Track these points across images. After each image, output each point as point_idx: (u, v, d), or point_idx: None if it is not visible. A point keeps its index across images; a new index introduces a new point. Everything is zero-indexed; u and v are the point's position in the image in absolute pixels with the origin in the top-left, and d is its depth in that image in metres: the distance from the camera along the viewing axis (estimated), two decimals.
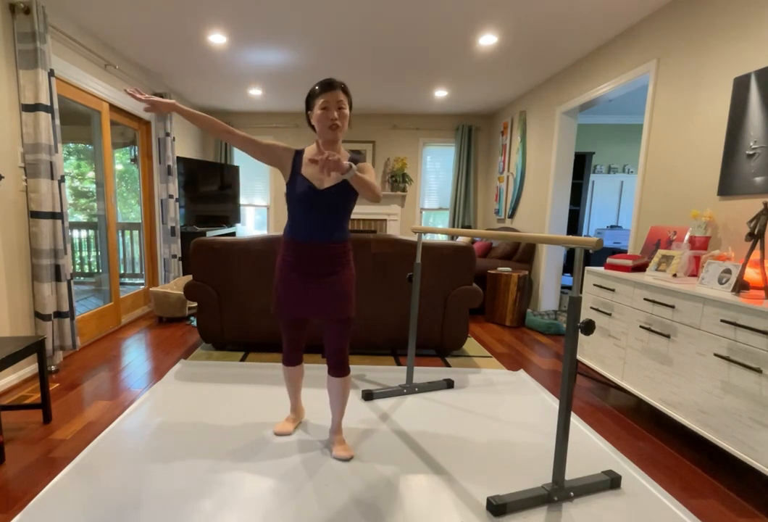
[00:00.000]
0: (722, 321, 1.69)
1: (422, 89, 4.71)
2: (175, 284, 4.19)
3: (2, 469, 1.72)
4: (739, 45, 2.18)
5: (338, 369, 1.80)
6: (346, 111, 1.63)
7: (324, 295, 1.72)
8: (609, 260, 2.49)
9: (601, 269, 2.51)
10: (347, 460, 1.80)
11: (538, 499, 1.54)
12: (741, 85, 2.13)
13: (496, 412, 2.27)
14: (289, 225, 1.74)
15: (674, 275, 2.17)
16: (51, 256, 2.67)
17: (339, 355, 1.78)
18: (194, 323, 3.89)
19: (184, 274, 4.79)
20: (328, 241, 1.70)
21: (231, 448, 1.87)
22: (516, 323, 4.02)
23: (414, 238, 3.01)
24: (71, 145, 3.53)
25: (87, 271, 4.02)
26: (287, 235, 1.74)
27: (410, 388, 2.47)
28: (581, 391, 2.60)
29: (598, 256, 5.53)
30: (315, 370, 2.79)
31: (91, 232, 3.90)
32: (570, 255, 5.63)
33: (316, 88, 1.62)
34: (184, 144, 5.34)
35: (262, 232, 6.32)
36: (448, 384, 2.56)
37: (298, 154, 1.71)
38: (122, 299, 3.92)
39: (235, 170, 5.75)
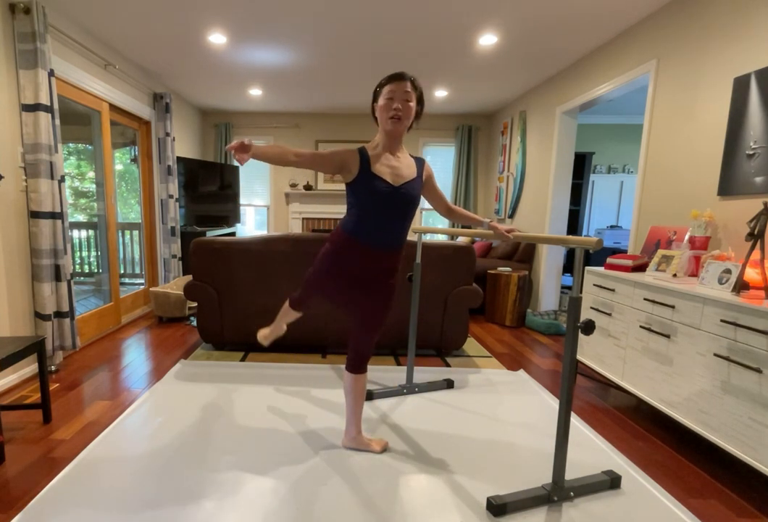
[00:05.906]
0: (722, 321, 1.69)
1: (422, 89, 4.70)
2: (175, 284, 4.19)
3: (2, 469, 1.72)
4: (739, 45, 2.18)
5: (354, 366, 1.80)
6: (413, 104, 1.54)
7: (372, 302, 1.69)
8: (609, 260, 2.49)
9: (601, 269, 2.51)
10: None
11: (538, 499, 1.54)
12: (741, 85, 2.13)
13: (496, 412, 2.27)
14: (358, 225, 1.59)
15: (674, 275, 2.16)
16: (51, 256, 2.67)
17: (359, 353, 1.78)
18: (194, 323, 3.89)
19: (184, 274, 4.78)
20: (397, 249, 1.64)
21: (231, 448, 1.87)
22: (516, 323, 4.02)
23: (414, 238, 3.01)
24: (71, 145, 3.53)
25: (87, 271, 4.02)
26: (356, 236, 1.60)
27: (410, 388, 2.47)
28: (581, 391, 2.60)
29: (598, 256, 5.52)
30: (314, 370, 2.79)
31: (91, 232, 3.90)
32: (570, 255, 5.62)
33: (385, 79, 1.55)
34: (184, 144, 5.34)
35: (262, 232, 6.32)
36: (448, 384, 2.56)
37: (363, 152, 1.59)
38: (122, 299, 3.92)
39: (235, 170, 5.75)
